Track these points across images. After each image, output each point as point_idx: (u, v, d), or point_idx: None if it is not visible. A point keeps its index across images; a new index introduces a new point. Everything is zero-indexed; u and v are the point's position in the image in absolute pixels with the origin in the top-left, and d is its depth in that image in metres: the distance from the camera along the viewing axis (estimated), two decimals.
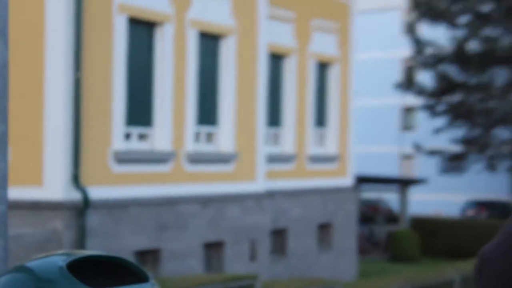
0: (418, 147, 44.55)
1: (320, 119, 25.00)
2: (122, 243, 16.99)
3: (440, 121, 41.69)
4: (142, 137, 17.68)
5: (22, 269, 2.32)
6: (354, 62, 26.47)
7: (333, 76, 25.46)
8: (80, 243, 16.07)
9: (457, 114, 40.44)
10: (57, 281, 2.14)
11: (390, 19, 50.09)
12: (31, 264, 2.28)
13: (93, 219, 16.57)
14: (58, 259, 2.24)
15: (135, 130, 17.36)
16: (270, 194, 21.37)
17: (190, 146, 18.90)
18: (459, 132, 40.53)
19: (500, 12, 38.72)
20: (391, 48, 49.03)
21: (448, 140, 40.97)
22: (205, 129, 19.64)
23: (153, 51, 18.31)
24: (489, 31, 39.87)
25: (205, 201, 19.18)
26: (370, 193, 35.96)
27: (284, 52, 22.89)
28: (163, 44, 18.40)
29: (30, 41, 15.59)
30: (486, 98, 39.69)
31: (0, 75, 3.74)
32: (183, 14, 18.83)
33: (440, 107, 41.15)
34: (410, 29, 42.94)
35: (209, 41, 19.88)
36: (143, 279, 2.28)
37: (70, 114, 15.52)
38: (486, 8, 39.27)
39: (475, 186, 47.05)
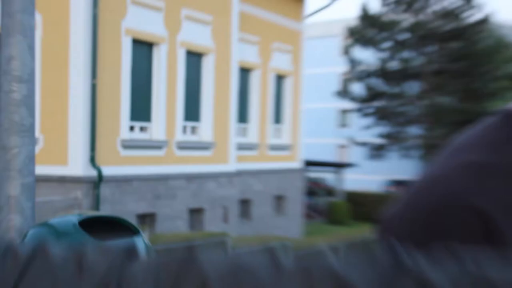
0: (351, 140, 45.51)
1: (278, 118, 25.09)
2: (127, 209, 17.28)
3: (368, 121, 42.26)
4: (142, 129, 17.97)
5: (45, 224, 2.47)
6: (304, 75, 26.60)
7: (288, 86, 25.52)
8: (95, 208, 16.41)
9: (381, 115, 41.13)
10: (71, 234, 2.29)
11: (331, 43, 50.97)
12: (52, 221, 2.44)
13: (105, 190, 16.93)
14: (73, 217, 2.38)
15: (137, 124, 17.64)
16: (239, 173, 21.59)
17: (179, 136, 19.21)
18: (382, 129, 41.00)
19: (413, 40, 39.20)
20: (332, 65, 49.91)
21: (373, 134, 41.44)
22: (190, 124, 20.06)
23: (151, 64, 18.59)
24: (405, 54, 40.17)
25: (190, 178, 19.42)
26: (314, 173, 36.13)
27: (250, 67, 22.88)
28: (159, 59, 18.67)
29: (59, 55, 15.77)
30: (401, 104, 40.34)
31: (29, 81, 3.81)
32: (174, 37, 19.13)
33: (368, 110, 42.00)
34: (346, 51, 43.53)
35: (194, 58, 20.10)
36: (136, 233, 2.43)
37: (88, 111, 15.76)
38: (403, 36, 39.45)
39: (393, 169, 48.31)
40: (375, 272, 1.03)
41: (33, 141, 3.73)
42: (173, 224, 19.02)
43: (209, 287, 1.12)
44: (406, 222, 1.16)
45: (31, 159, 3.82)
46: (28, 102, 3.79)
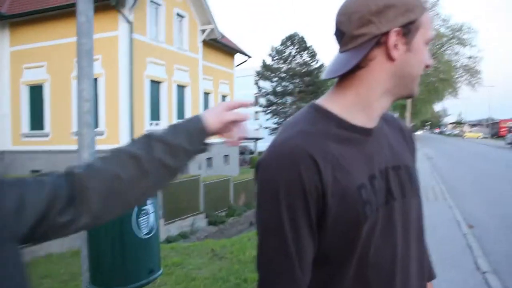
0: (260, 126, 44.85)
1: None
2: None
3: (268, 116, 41.99)
4: (156, 124, 16.92)
5: None
6: (236, 95, 25.96)
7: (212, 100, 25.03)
8: None
9: (275, 113, 40.94)
10: None
11: (249, 77, 49.41)
12: None
13: None
14: None
15: (154, 122, 16.76)
16: None
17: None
18: (275, 120, 40.99)
19: (288, 76, 39.51)
20: (251, 90, 48.55)
21: (271, 123, 41.33)
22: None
23: (159, 92, 17.54)
24: (284, 83, 40.55)
25: None
26: (243, 143, 35.61)
27: (209, 92, 22.45)
28: (163, 90, 17.65)
29: (113, 87, 14.93)
30: (284, 107, 40.32)
31: (91, 86, 3.50)
32: (171, 78, 18.36)
33: (268, 111, 41.59)
34: (256, 82, 43.27)
35: (181, 89, 19.35)
36: None
37: (129, 115, 14.69)
38: (283, 75, 39.80)
39: None
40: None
41: (93, 131, 3.57)
42: None
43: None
44: (270, 161, 0.97)
45: (92, 142, 3.53)
46: (91, 111, 3.54)
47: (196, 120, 1.11)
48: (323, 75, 1.07)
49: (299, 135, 0.99)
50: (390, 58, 1.00)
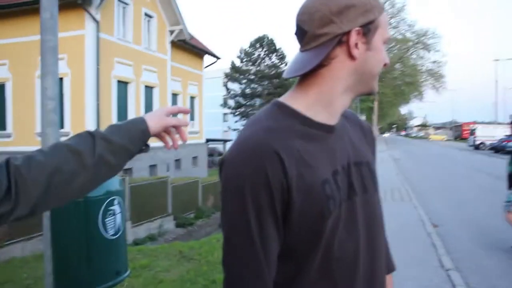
0: (229, 128, 45.01)
1: (192, 116, 23.80)
2: None
3: (237, 118, 42.22)
4: None
5: None
6: (205, 96, 25.91)
7: (196, 104, 24.97)
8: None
9: (244, 115, 41.22)
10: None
11: (219, 79, 49.43)
12: None
13: None
14: None
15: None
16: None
17: None
18: (243, 122, 41.09)
19: (256, 78, 39.73)
20: (220, 91, 48.65)
21: (241, 125, 41.37)
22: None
23: (127, 93, 17.15)
24: (253, 85, 40.79)
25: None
26: (212, 145, 35.67)
27: (177, 93, 22.18)
28: (131, 91, 17.03)
29: (80, 87, 14.60)
30: (252, 109, 40.63)
31: (56, 84, 3.40)
32: (139, 79, 18.10)
33: (237, 113, 41.67)
34: (225, 84, 43.32)
35: (149, 90, 19.04)
36: None
37: (95, 116, 14.16)
38: (252, 77, 39.99)
39: None
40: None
41: (58, 131, 3.44)
42: (140, 173, 17.38)
43: None
44: (235, 157, 0.98)
45: (58, 140, 3.38)
46: (56, 110, 3.41)
47: (139, 121, 1.16)
48: (284, 74, 1.09)
49: (263, 131, 0.99)
50: (351, 56, 1.03)
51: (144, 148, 1.18)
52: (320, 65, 1.03)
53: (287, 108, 1.06)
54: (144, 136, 1.15)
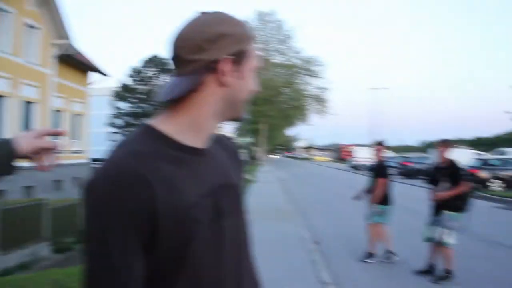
0: None
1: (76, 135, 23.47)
2: None
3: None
4: None
5: None
6: (92, 115, 24.63)
7: (81, 121, 23.98)
8: None
9: None
10: None
11: (106, 97, 47.17)
12: None
13: None
14: None
15: None
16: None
17: None
18: None
19: (146, 97, 39.00)
20: (107, 109, 46.48)
21: None
22: None
23: (2, 108, 15.49)
24: (143, 104, 39.87)
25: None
26: (98, 165, 33.72)
27: (61, 110, 20.89)
28: (7, 105, 15.72)
29: None
30: None
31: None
32: (16, 93, 16.47)
33: (126, 132, 40.30)
34: (114, 102, 41.88)
35: (28, 105, 17.50)
36: None
37: None
38: (142, 96, 39.23)
39: None
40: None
41: None
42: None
43: None
44: (100, 182, 0.95)
45: None
46: None
47: (6, 142, 1.14)
48: (158, 97, 1.09)
49: (129, 155, 0.99)
50: (221, 83, 1.07)
51: (11, 170, 1.14)
52: (191, 90, 1.06)
53: (156, 131, 1.06)
54: (10, 157, 1.13)
